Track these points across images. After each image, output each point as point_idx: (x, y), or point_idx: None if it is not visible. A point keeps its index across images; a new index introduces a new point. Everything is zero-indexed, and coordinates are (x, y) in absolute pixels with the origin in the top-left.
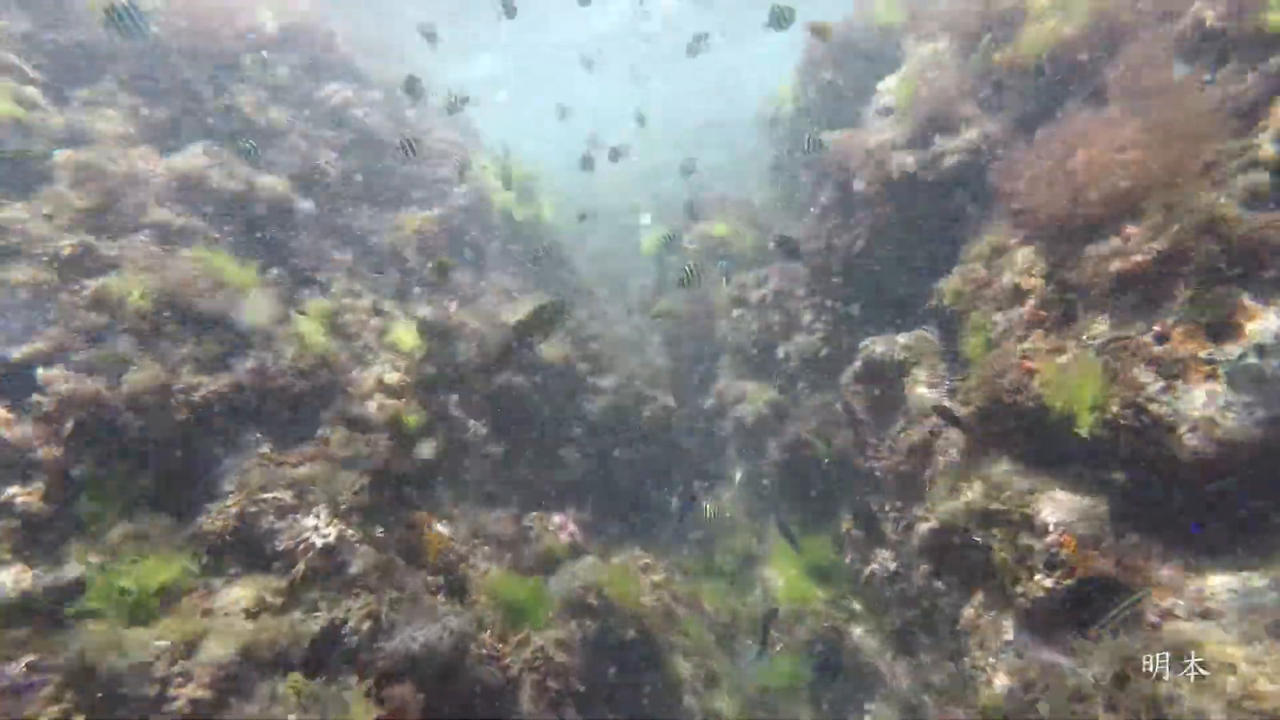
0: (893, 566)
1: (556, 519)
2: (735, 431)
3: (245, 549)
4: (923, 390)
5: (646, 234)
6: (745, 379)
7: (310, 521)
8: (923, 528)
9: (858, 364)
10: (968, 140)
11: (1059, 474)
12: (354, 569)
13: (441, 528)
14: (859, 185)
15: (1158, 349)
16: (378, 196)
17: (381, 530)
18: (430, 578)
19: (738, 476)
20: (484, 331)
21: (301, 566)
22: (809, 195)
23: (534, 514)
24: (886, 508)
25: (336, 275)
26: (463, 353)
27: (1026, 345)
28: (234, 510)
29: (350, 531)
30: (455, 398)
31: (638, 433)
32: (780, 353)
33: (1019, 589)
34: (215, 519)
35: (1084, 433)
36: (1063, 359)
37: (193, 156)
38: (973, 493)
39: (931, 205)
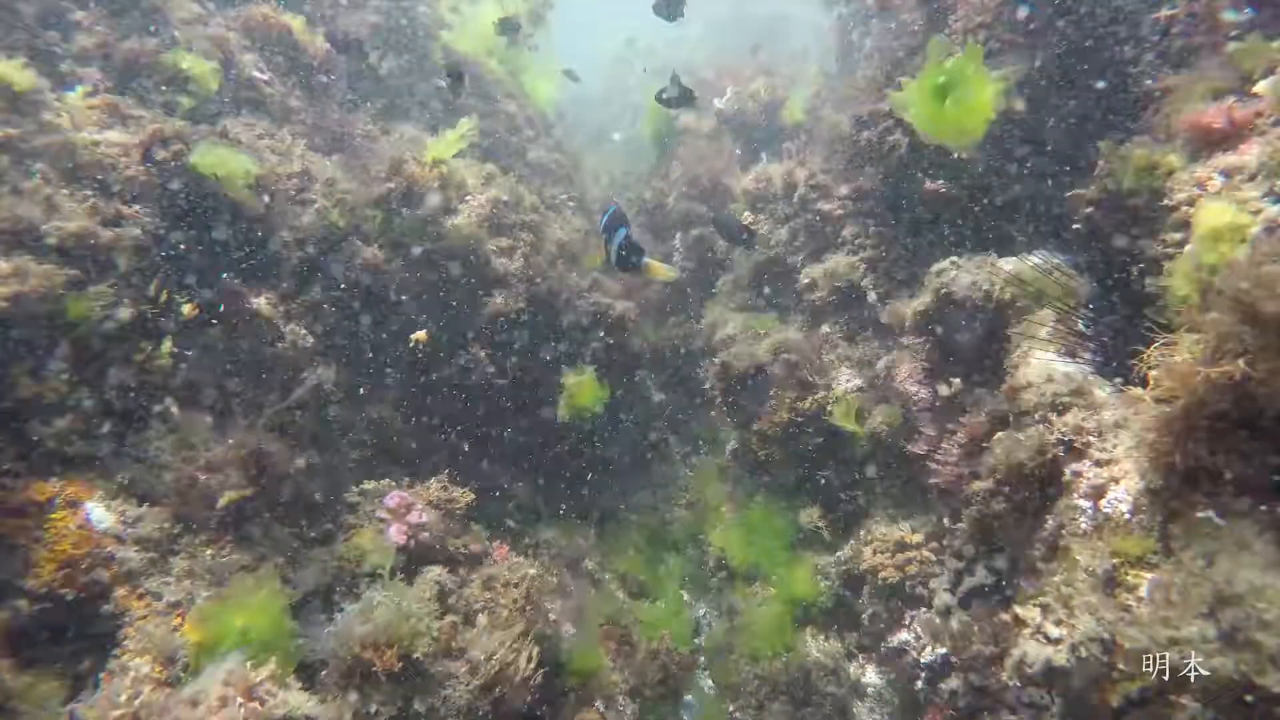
0: (934, 653)
1: (392, 499)
2: (728, 380)
3: None
4: (1046, 359)
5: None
6: (749, 309)
7: None
8: (1037, 655)
9: (923, 300)
10: None
11: None
12: None
13: (100, 509)
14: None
15: None
16: None
17: None
18: None
19: (730, 444)
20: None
21: None
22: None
23: (364, 485)
24: (944, 547)
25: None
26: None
27: None
28: None
29: None
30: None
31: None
32: (804, 278)
33: None
34: None
35: None
36: None
37: None
38: (1188, 622)
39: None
